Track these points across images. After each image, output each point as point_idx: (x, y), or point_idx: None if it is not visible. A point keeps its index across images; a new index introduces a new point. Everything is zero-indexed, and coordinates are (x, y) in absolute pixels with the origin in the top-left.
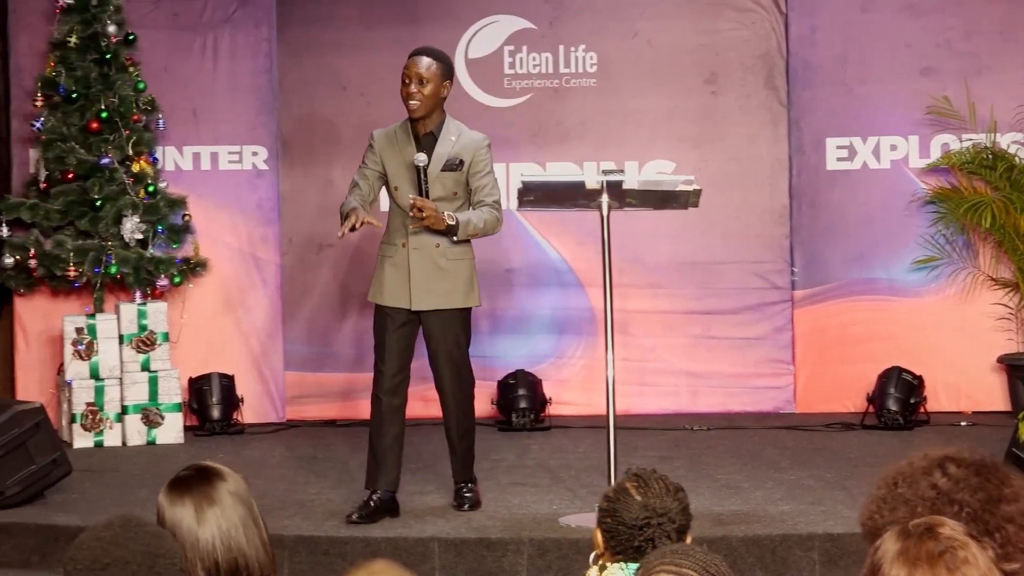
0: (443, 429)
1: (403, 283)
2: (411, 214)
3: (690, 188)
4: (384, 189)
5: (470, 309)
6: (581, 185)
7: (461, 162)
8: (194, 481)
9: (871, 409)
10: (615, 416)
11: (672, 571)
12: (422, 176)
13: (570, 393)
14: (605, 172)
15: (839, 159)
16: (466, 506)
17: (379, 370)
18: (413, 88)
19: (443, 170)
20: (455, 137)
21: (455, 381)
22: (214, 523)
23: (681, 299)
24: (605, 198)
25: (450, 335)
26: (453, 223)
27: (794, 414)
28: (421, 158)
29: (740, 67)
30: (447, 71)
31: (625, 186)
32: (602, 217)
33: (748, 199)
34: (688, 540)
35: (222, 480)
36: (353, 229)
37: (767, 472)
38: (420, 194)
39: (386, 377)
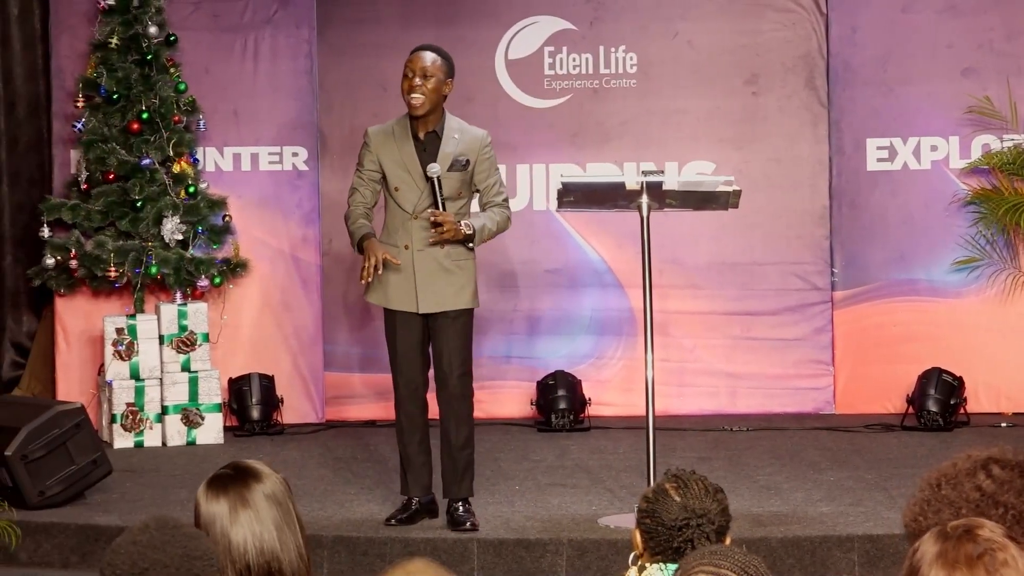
0: (440, 438)
1: (408, 286)
2: (432, 230)
3: (730, 189)
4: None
5: (472, 311)
6: (621, 186)
7: (467, 161)
8: (231, 481)
9: (911, 410)
10: (654, 417)
11: (711, 571)
12: (438, 188)
13: (609, 394)
14: (645, 173)
15: (879, 160)
16: (466, 525)
17: (394, 379)
18: (417, 81)
19: (449, 170)
20: (458, 135)
21: (460, 386)
22: (247, 526)
23: (721, 300)
24: (645, 199)
25: (458, 338)
26: (471, 232)
27: (834, 415)
28: (435, 169)
29: (781, 68)
30: (450, 68)
31: (665, 187)
32: (642, 218)
33: (788, 200)
34: (727, 541)
35: (258, 482)
36: (376, 269)
37: (806, 473)
38: (435, 206)
39: (401, 386)
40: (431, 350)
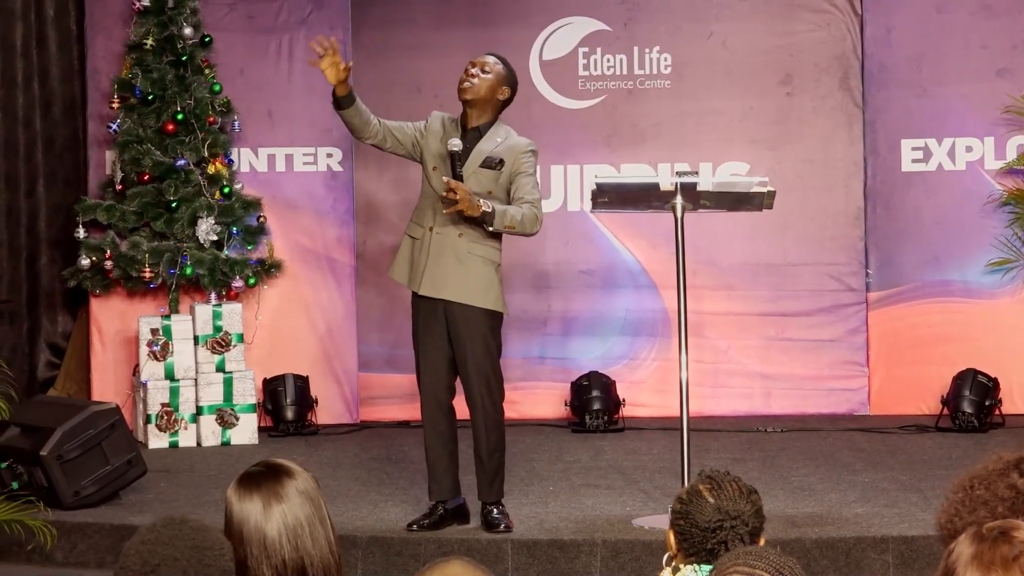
0: (472, 442)
1: (419, 265)
2: (444, 195)
3: (765, 190)
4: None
5: (500, 316)
6: (655, 187)
7: (501, 162)
8: (263, 478)
9: (946, 411)
10: (688, 418)
11: (745, 572)
12: (455, 160)
13: (644, 395)
14: (679, 174)
15: (914, 160)
16: (500, 527)
17: (418, 382)
18: (473, 71)
19: (481, 166)
20: (501, 139)
21: (484, 392)
22: (280, 520)
23: (755, 301)
24: (679, 200)
25: (477, 339)
26: (488, 210)
27: (868, 416)
28: (455, 143)
29: (815, 68)
30: (510, 77)
31: (699, 188)
32: (676, 219)
33: (823, 201)
34: (761, 542)
35: (291, 478)
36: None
37: (841, 474)
38: (453, 178)
39: (424, 391)
40: (454, 354)
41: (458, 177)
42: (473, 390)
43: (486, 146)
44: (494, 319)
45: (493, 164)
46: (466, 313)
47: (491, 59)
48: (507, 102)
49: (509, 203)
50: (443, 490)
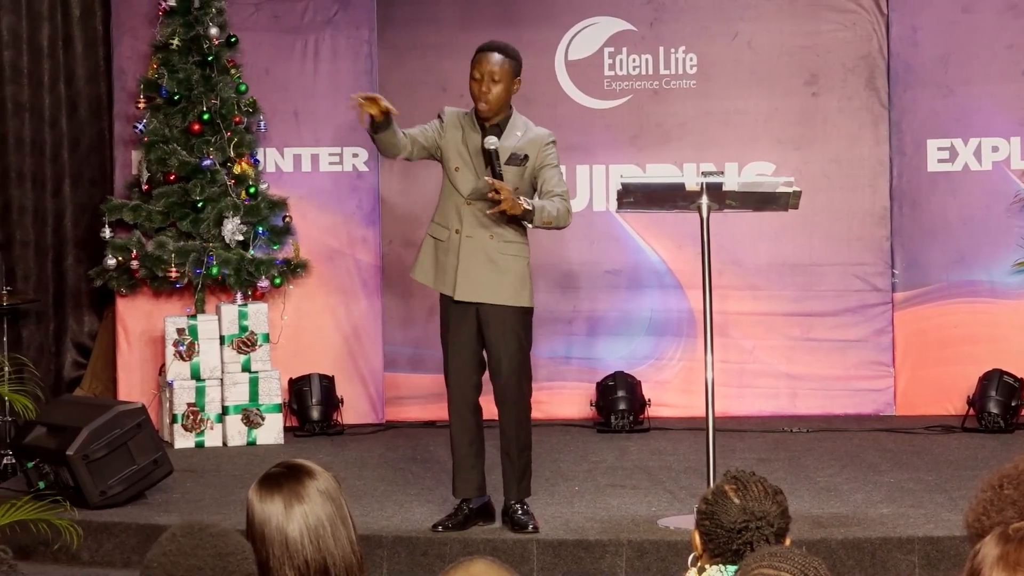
0: (498, 440)
1: (450, 269)
2: (488, 195)
3: (790, 190)
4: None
5: (531, 311)
6: (681, 187)
7: (526, 157)
8: (284, 478)
9: (972, 412)
10: (714, 418)
11: (770, 574)
12: (494, 159)
13: (669, 395)
14: (705, 174)
15: (940, 160)
16: (528, 528)
17: (446, 379)
18: (485, 87)
19: (507, 163)
20: (520, 132)
21: (517, 389)
22: (302, 520)
23: (781, 301)
24: (705, 200)
25: (512, 337)
26: (530, 208)
27: (894, 416)
28: (493, 140)
29: (841, 68)
30: (517, 68)
31: (725, 188)
32: (701, 219)
33: (848, 201)
34: (787, 543)
35: (312, 478)
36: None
37: (867, 475)
38: (493, 176)
39: (453, 387)
40: (485, 351)
41: (498, 176)
42: (505, 387)
43: (509, 142)
44: (527, 315)
45: (519, 160)
46: (502, 314)
47: (495, 60)
48: (518, 88)
49: (533, 197)
50: (469, 488)
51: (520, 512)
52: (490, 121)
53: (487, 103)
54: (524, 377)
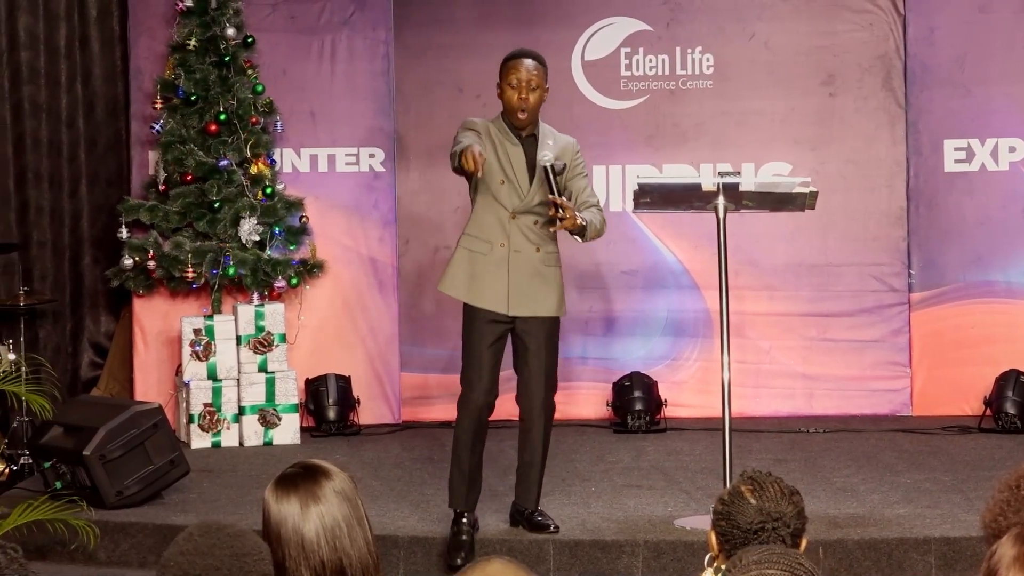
0: (521, 445)
1: (500, 286)
2: (551, 213)
3: (807, 190)
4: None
5: (559, 320)
6: (697, 187)
7: (564, 165)
8: (300, 479)
9: (988, 412)
10: (730, 418)
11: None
12: (554, 176)
13: (685, 395)
14: (721, 174)
15: (957, 161)
16: (551, 528)
17: (467, 383)
18: (524, 95)
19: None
20: (551, 141)
21: (549, 399)
22: (318, 521)
23: (797, 301)
24: (721, 200)
25: (548, 346)
26: (584, 223)
27: (911, 417)
28: (548, 157)
29: (858, 69)
30: (546, 72)
31: (741, 188)
32: (718, 219)
33: (865, 201)
34: (803, 543)
35: (328, 478)
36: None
37: (883, 475)
38: (553, 193)
39: (474, 395)
40: (517, 359)
41: (560, 192)
42: (540, 397)
43: (545, 152)
44: (559, 322)
45: (559, 171)
46: (544, 325)
47: (531, 66)
48: (547, 94)
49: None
50: (471, 501)
51: (537, 517)
52: (525, 130)
53: (527, 111)
54: (554, 388)
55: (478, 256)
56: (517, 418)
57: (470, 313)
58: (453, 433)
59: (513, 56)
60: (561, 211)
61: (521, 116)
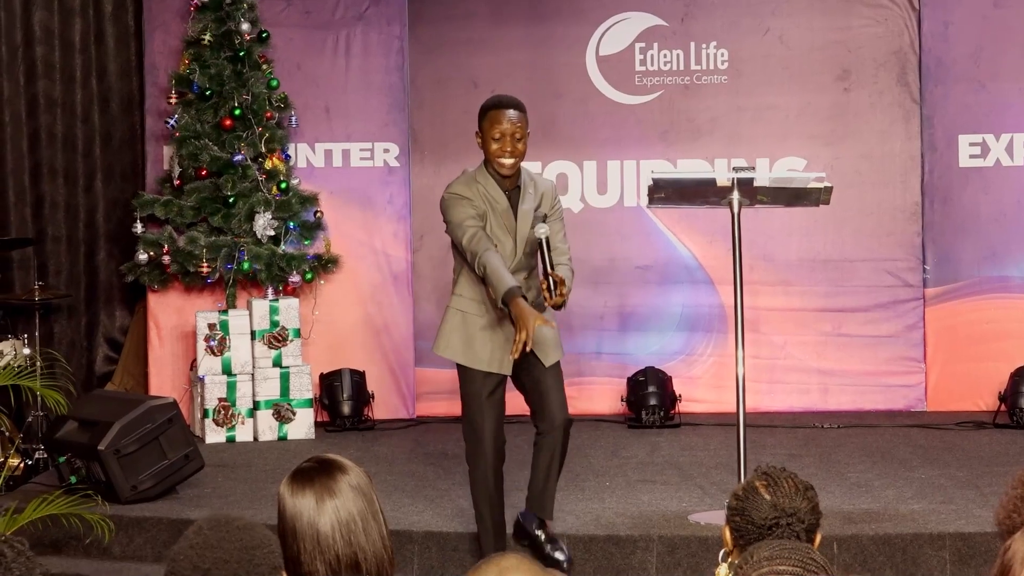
0: (539, 460)
1: (497, 348)
2: (543, 287)
3: (821, 185)
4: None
5: None
6: (712, 182)
7: (545, 216)
8: (315, 473)
9: (1003, 408)
10: (745, 413)
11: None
12: (546, 249)
13: (700, 390)
14: (736, 169)
15: (972, 156)
16: (564, 564)
17: (478, 437)
18: (510, 147)
19: (531, 228)
20: (532, 189)
21: (567, 411)
22: (333, 515)
23: (812, 296)
24: (736, 195)
25: (559, 384)
26: (565, 300)
27: (925, 412)
28: (543, 230)
29: (872, 64)
30: (527, 119)
31: (756, 183)
32: (733, 214)
33: (880, 196)
34: (817, 539)
35: (343, 473)
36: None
37: (898, 470)
38: (548, 266)
39: (488, 444)
40: (531, 391)
41: (553, 265)
42: (560, 412)
43: (526, 204)
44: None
45: (540, 221)
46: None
47: (515, 116)
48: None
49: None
50: (502, 546)
51: (549, 545)
52: (510, 181)
53: (515, 160)
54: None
55: (472, 318)
56: (520, 413)
57: (468, 372)
58: (470, 490)
59: (493, 106)
60: (554, 288)
61: (510, 164)
